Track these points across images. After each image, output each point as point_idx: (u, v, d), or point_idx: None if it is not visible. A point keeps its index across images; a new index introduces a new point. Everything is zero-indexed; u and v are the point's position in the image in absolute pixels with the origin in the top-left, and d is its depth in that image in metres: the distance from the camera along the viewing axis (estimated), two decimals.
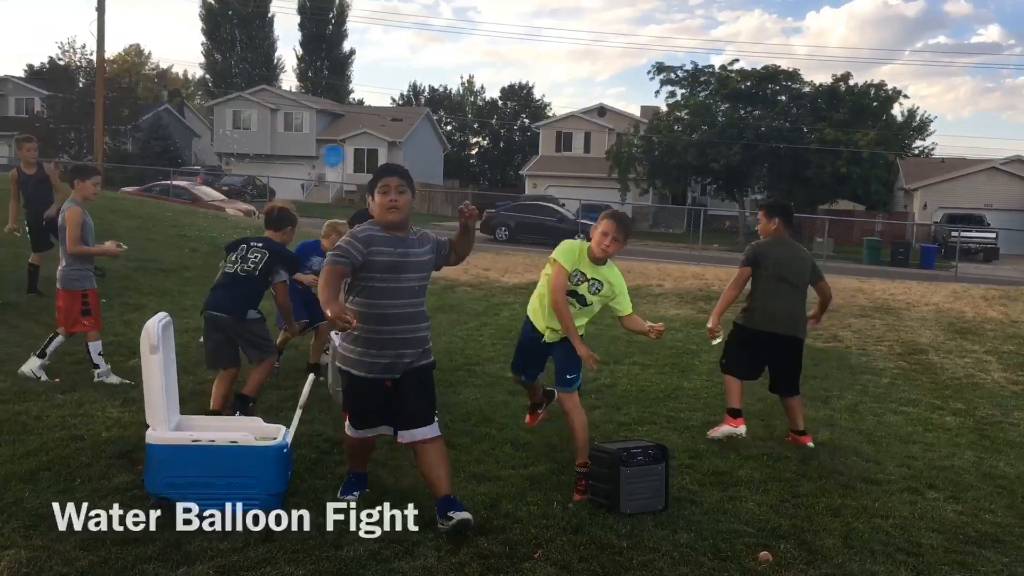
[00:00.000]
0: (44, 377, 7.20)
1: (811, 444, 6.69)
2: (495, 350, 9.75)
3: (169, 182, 34.10)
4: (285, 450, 4.83)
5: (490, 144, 72.77)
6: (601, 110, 56.15)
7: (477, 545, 4.56)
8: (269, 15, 69.73)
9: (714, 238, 41.43)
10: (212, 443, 4.73)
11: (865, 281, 19.36)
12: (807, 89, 44.67)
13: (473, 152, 73.46)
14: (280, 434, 4.93)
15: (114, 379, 7.27)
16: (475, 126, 72.66)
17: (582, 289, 5.57)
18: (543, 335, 5.70)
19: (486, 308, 12.70)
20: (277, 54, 71.89)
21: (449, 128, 72.43)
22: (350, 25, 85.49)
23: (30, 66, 67.35)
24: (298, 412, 5.06)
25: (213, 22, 68.43)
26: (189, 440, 4.73)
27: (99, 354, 7.33)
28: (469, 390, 7.89)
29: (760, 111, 44.28)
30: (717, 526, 4.99)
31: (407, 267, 4.60)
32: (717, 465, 6.09)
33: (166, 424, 4.72)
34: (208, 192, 34.04)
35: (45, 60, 66.81)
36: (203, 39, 69.68)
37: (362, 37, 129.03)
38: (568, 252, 5.50)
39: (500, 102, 72.26)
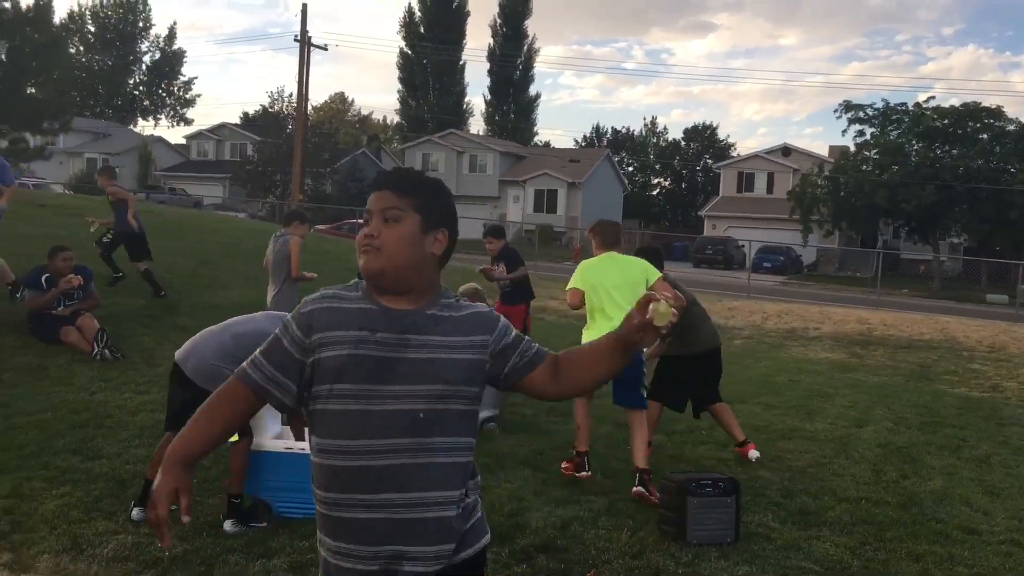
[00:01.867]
0: None
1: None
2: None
3: (356, 220, 36.19)
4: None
5: (672, 184, 72.48)
6: (786, 150, 54.82)
7: (535, 562, 4.80)
8: (461, 63, 72.81)
9: (905, 283, 39.38)
10: (302, 452, 5.20)
11: None
12: (1012, 127, 41.90)
13: (654, 192, 73.35)
14: None
15: None
16: (656, 167, 72.59)
17: None
18: None
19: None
20: (467, 99, 74.82)
21: (631, 169, 72.75)
22: (538, 70, 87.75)
23: (245, 114, 73.66)
24: None
25: (409, 70, 72.18)
26: (282, 448, 5.24)
27: None
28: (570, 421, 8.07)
29: (958, 150, 41.92)
30: (783, 562, 4.98)
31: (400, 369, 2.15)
32: (807, 505, 6.01)
33: (264, 432, 5.25)
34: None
35: (259, 108, 72.92)
36: (399, 87, 73.65)
37: (554, 81, 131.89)
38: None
39: (683, 143, 71.95)
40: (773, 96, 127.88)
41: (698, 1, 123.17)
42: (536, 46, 73.43)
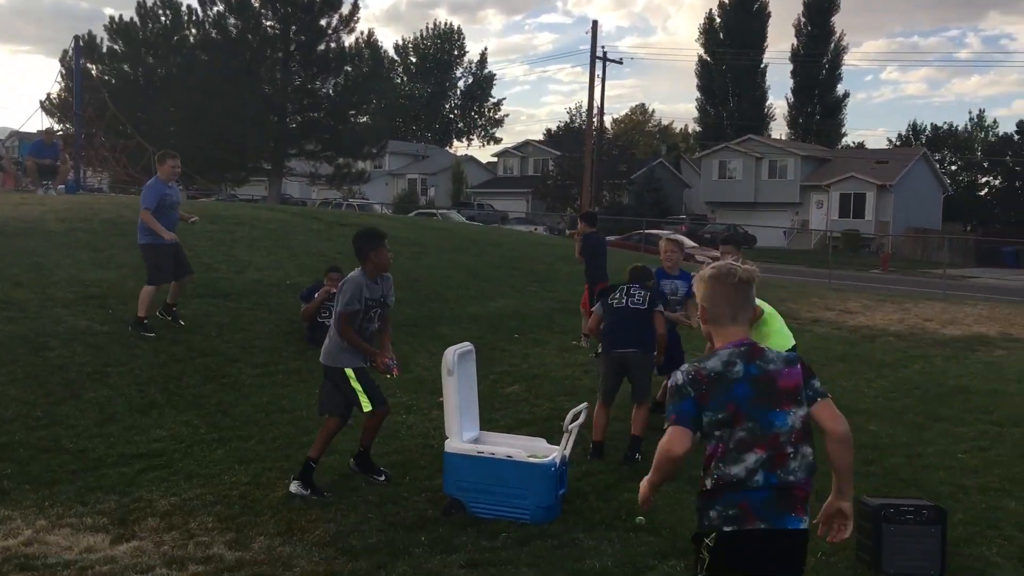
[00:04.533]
0: None
1: None
2: (875, 403, 9.28)
3: (647, 231, 36.44)
4: (553, 469, 5.45)
5: (1003, 183, 65.46)
6: None
7: None
8: (762, 66, 70.82)
9: None
10: (492, 456, 5.52)
11: None
12: None
13: (982, 192, 66.68)
14: (553, 454, 5.57)
15: None
16: (985, 165, 65.94)
17: None
18: None
19: (897, 360, 11.95)
20: (768, 103, 72.55)
21: (954, 168, 66.70)
22: (853, 67, 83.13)
23: (548, 130, 76.78)
24: (564, 436, 5.65)
25: (707, 77, 71.38)
26: (475, 452, 5.59)
27: None
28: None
29: None
30: None
31: None
32: None
33: (459, 436, 5.63)
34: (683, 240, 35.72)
35: (560, 124, 75.78)
36: (697, 94, 73.08)
37: (875, 78, 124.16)
38: None
39: (1016, 136, 64.78)
40: None
41: None
42: (844, 43, 69.53)
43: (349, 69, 41.84)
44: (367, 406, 5.96)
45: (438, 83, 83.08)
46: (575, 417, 5.64)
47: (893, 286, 26.67)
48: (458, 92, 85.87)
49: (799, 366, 3.18)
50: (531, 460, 5.47)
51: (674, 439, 3.06)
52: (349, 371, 5.98)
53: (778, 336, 6.64)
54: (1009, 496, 6.26)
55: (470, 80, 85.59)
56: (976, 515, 5.82)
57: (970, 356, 12.63)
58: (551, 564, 4.82)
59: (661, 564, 4.90)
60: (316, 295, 9.99)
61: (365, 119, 44.60)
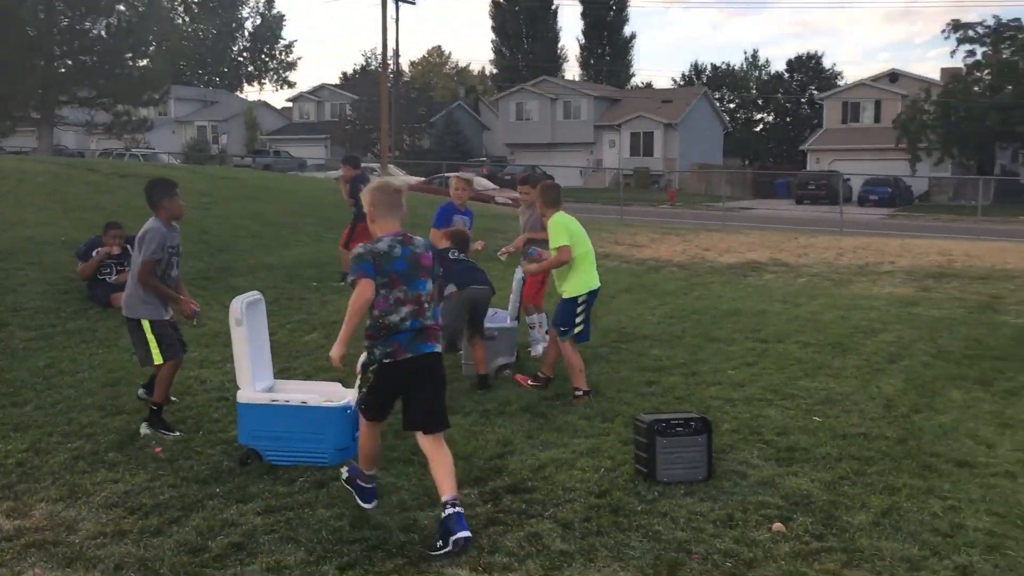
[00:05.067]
0: None
1: None
2: (657, 328, 9.89)
3: (447, 175, 36.58)
4: (348, 411, 5.50)
5: (775, 119, 70.17)
6: (893, 75, 52.29)
7: (501, 502, 4.98)
8: (553, 7, 71.87)
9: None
10: (286, 403, 5.51)
11: None
12: None
13: (757, 129, 71.20)
14: (348, 397, 5.62)
15: None
16: (759, 102, 70.35)
17: None
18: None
19: (678, 288, 12.74)
20: (560, 44, 73.98)
21: (732, 106, 70.74)
22: (640, 9, 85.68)
23: (344, 74, 74.93)
24: (358, 378, 5.71)
25: (501, 18, 71.74)
26: (268, 400, 5.55)
27: None
28: (600, 365, 8.17)
29: None
30: (749, 498, 5.02)
31: None
32: (798, 442, 5.98)
33: (251, 386, 5.57)
34: (481, 182, 36.13)
35: (358, 68, 74.11)
36: (492, 35, 73.41)
37: (661, 18, 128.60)
38: None
39: (787, 75, 69.41)
40: (895, 18, 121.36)
41: None
42: None
43: (122, 8, 39.04)
44: (158, 359, 6.04)
45: (224, 24, 78.99)
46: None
47: (679, 220, 28.23)
48: (246, 34, 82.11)
49: (430, 252, 4.70)
50: (325, 404, 5.49)
51: (365, 287, 4.43)
52: (145, 322, 6.08)
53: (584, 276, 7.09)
54: (770, 405, 6.90)
55: (259, 21, 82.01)
56: (741, 424, 6.38)
57: (743, 281, 13.66)
58: (348, 504, 4.90)
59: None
60: (95, 254, 9.47)
61: (144, 63, 41.88)
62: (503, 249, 8.75)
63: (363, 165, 8.75)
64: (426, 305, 4.61)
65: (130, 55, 39.91)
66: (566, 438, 6.08)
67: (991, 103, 38.76)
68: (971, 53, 41.91)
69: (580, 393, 6.99)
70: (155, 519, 4.68)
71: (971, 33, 41.52)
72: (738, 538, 4.51)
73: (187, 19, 77.15)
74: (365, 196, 4.70)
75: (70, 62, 38.68)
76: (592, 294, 7.15)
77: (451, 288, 7.35)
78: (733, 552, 4.36)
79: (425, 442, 4.63)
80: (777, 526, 4.65)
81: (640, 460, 5.40)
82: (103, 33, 38.55)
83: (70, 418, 6.31)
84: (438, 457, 4.58)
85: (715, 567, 4.22)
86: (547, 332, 8.81)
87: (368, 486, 4.84)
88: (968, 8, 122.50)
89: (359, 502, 4.82)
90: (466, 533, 4.30)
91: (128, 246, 9.54)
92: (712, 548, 4.40)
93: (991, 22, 41.47)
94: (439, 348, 4.70)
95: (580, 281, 7.04)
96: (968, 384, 7.57)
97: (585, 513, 4.82)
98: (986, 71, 41.15)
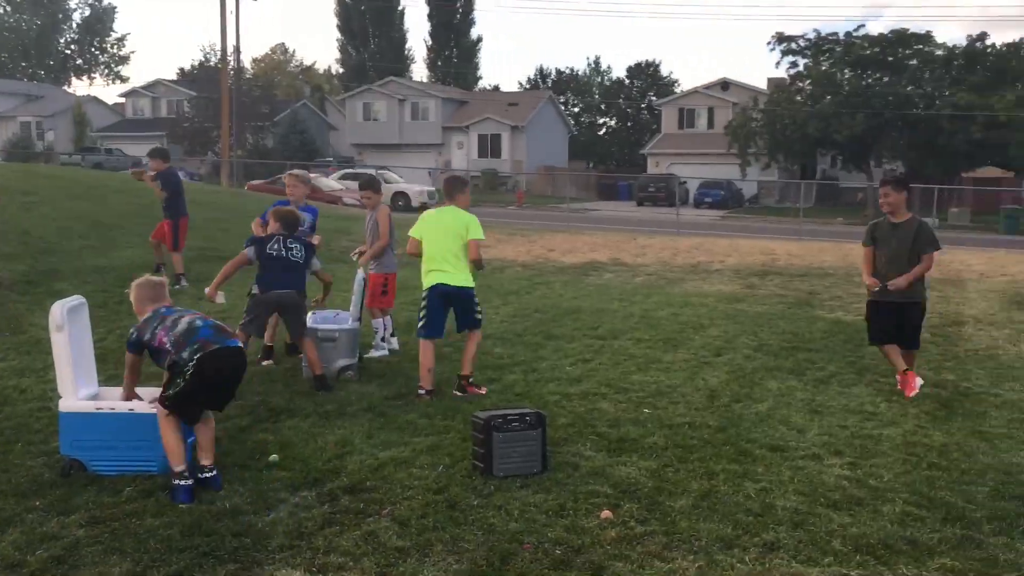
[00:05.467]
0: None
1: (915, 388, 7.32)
2: (500, 327, 10.08)
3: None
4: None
5: (618, 124, 72.40)
6: (724, 84, 54.95)
7: (339, 503, 4.98)
8: (400, 7, 71.71)
9: (842, 212, 40.08)
10: (112, 411, 5.33)
11: (960, 252, 18.45)
12: (940, 52, 42.29)
13: (600, 132, 73.24)
14: None
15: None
16: (602, 107, 72.38)
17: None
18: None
19: (522, 287, 13.02)
20: (408, 45, 73.84)
21: (576, 110, 72.48)
22: (479, 14, 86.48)
23: (181, 69, 72.14)
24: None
25: (346, 17, 70.96)
26: (93, 408, 5.36)
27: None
28: (443, 364, 8.25)
29: (889, 78, 42.27)
30: (581, 488, 5.22)
31: None
32: (628, 433, 6.26)
33: (74, 394, 5.35)
34: (327, 183, 35.64)
35: (196, 63, 71.49)
36: (338, 34, 72.45)
37: (507, 21, 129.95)
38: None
39: (627, 81, 71.73)
40: (720, 28, 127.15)
41: None
42: None
43: None
44: None
45: (49, 14, 74.63)
46: None
47: (527, 220, 28.73)
48: (74, 25, 77.86)
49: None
50: (153, 411, 5.34)
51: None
52: None
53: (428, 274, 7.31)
54: (604, 399, 7.18)
55: (87, 12, 77.91)
56: (576, 417, 6.62)
57: (584, 280, 14.09)
58: (178, 510, 4.80)
59: (293, 496, 5.06)
60: None
61: None
62: (358, 251, 8.87)
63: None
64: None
65: None
66: (407, 437, 6.14)
67: (812, 111, 41.31)
68: (794, 64, 44.55)
69: (422, 392, 7.08)
70: None
71: (794, 45, 44.12)
72: (569, 526, 4.69)
73: (8, 8, 72.47)
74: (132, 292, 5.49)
75: None
76: (435, 290, 7.21)
77: (255, 288, 7.35)
78: (563, 540, 4.53)
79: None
80: (605, 513, 4.87)
81: (477, 456, 5.53)
82: None
83: None
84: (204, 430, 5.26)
85: (545, 555, 4.38)
86: (391, 336, 8.87)
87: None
88: (793, 20, 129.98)
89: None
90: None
91: None
92: (544, 537, 4.56)
93: (812, 35, 44.26)
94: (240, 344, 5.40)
95: (425, 278, 7.18)
96: (783, 374, 8.10)
97: (422, 510, 4.89)
98: (807, 81, 43.80)
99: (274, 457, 5.63)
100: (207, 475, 5.11)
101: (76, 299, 5.56)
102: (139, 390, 5.89)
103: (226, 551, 4.34)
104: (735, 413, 6.84)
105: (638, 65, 71.46)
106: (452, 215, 7.30)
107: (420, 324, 7.25)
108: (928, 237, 7.52)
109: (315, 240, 8.39)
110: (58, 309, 5.30)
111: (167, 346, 5.08)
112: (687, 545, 4.49)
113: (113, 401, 5.45)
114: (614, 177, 52.89)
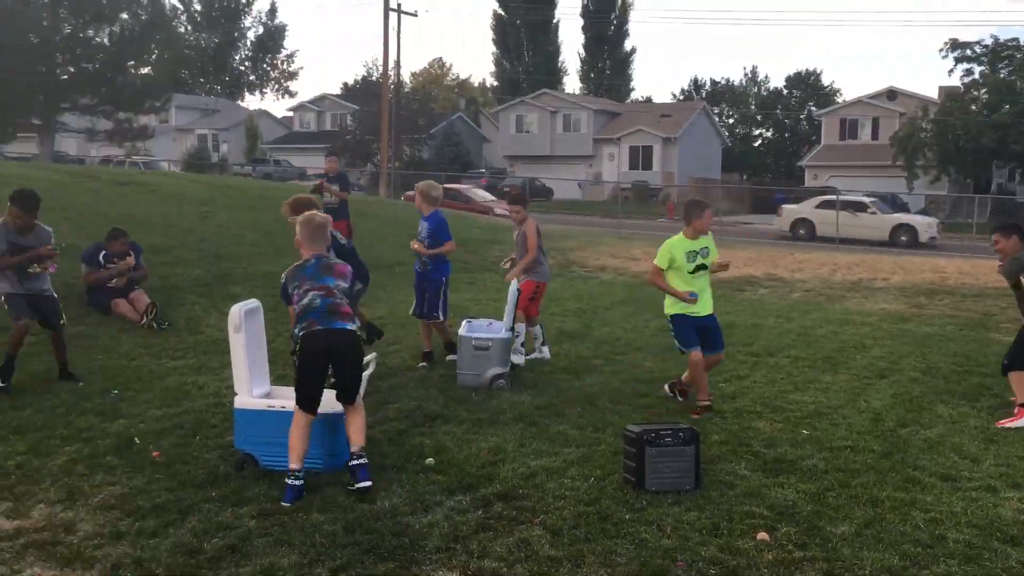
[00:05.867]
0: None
1: None
2: (651, 340, 9.99)
3: (448, 186, 36.72)
4: (342, 418, 5.58)
5: (774, 135, 70.49)
6: (891, 93, 52.53)
7: (492, 509, 5.07)
8: (554, 21, 72.29)
9: None
10: (283, 409, 5.60)
11: None
12: None
13: (756, 144, 71.48)
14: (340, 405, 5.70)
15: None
16: (758, 118, 70.65)
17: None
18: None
19: None
20: (561, 58, 74.35)
21: (731, 121, 71.06)
22: (633, 25, 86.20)
23: (345, 84, 75.16)
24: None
25: (502, 31, 72.13)
26: (265, 406, 5.65)
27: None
28: (593, 376, 8.28)
29: None
30: (735, 508, 5.11)
31: None
32: (786, 454, 6.08)
33: (248, 392, 5.66)
34: (480, 194, 36.35)
35: (359, 78, 74.34)
36: (494, 48, 73.77)
37: (661, 33, 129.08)
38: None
39: (786, 91, 69.77)
40: (885, 36, 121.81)
41: None
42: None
43: (126, 16, 39.23)
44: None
45: (226, 33, 79.30)
46: (364, 367, 5.79)
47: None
48: (248, 43, 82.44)
49: (349, 268, 5.71)
50: (321, 412, 5.58)
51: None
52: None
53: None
54: (760, 417, 7.00)
55: (260, 30, 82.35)
56: (730, 435, 6.48)
57: (738, 295, 13.78)
58: (341, 507, 5.00)
59: (448, 499, 5.18)
60: (108, 266, 9.54)
61: (146, 71, 42.04)
62: (508, 260, 9.15)
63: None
64: (336, 292, 5.48)
65: (132, 63, 40.09)
66: (557, 447, 6.18)
67: (988, 121, 38.94)
68: (968, 72, 42.16)
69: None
70: (152, 521, 4.77)
71: (968, 52, 41.76)
72: (723, 546, 4.60)
73: (189, 27, 77.46)
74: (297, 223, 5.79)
75: (72, 69, 38.81)
76: None
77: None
78: (718, 560, 4.45)
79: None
80: (762, 535, 4.75)
81: (629, 469, 5.50)
82: (106, 41, 38.74)
83: (68, 421, 6.40)
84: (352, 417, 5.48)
85: (700, 574, 4.31)
86: (542, 346, 8.96)
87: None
88: (966, 27, 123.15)
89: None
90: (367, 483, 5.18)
91: (130, 253, 9.65)
92: (697, 556, 4.49)
93: (989, 41, 41.76)
94: (352, 327, 5.46)
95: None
96: (955, 400, 7.67)
97: (574, 520, 4.91)
98: (983, 90, 41.36)
99: (430, 461, 5.78)
100: (355, 462, 5.27)
101: (252, 302, 5.89)
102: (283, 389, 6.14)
103: (385, 549, 4.48)
104: (901, 438, 6.52)
105: (797, 74, 69.43)
106: None
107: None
108: None
109: (413, 244, 8.68)
110: (236, 311, 5.62)
111: (294, 314, 5.45)
112: (850, 574, 4.32)
113: (283, 400, 5.71)
114: (769, 190, 51.45)
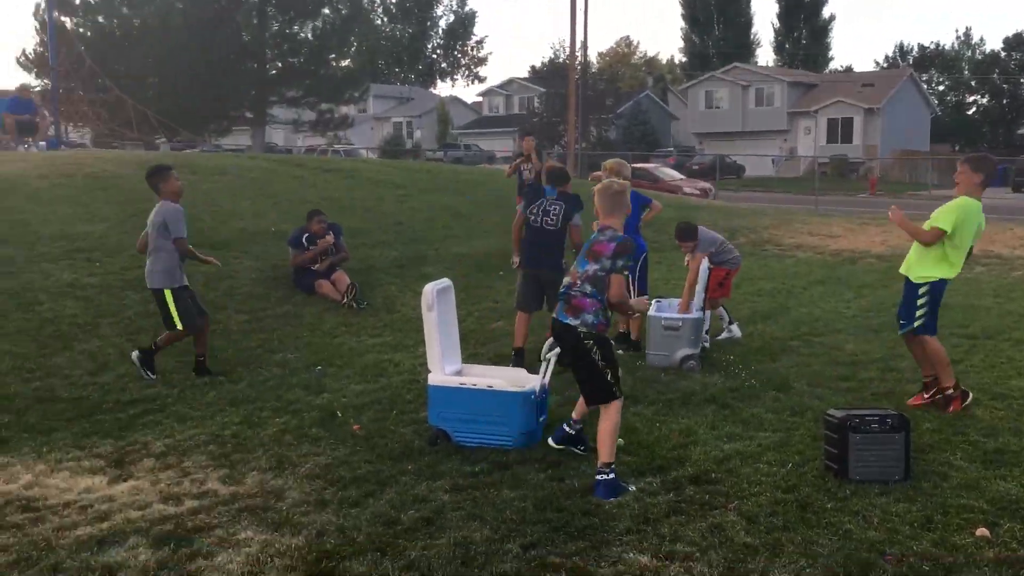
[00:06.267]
0: None
1: None
2: (853, 322, 9.48)
3: (632, 165, 36.37)
4: (532, 396, 5.62)
5: (990, 102, 65.21)
6: None
7: (683, 492, 4.95)
8: None
9: None
10: (474, 387, 5.70)
11: None
12: None
13: (970, 112, 66.41)
14: (532, 383, 5.74)
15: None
16: (972, 84, 65.58)
17: None
18: None
19: (876, 280, 12.13)
20: (753, 30, 71.80)
21: (941, 88, 66.37)
22: None
23: (532, 67, 75.90)
24: (543, 365, 5.82)
25: (691, 4, 70.48)
26: (457, 384, 5.76)
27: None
28: (790, 358, 7.95)
29: None
30: (950, 500, 4.75)
31: None
32: (1008, 444, 5.59)
33: (441, 370, 5.79)
34: (669, 173, 35.74)
35: (546, 60, 74.87)
36: (682, 23, 72.25)
37: None
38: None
39: (1004, 54, 64.35)
40: None
41: None
42: None
43: (327, 12, 41.27)
44: (179, 325, 7.22)
45: (419, 23, 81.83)
46: (552, 347, 5.79)
47: (880, 210, 26.76)
48: (440, 31, 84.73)
49: (615, 244, 4.96)
50: (511, 389, 5.63)
51: None
52: (168, 292, 7.15)
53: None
54: (978, 405, 6.46)
55: (451, 19, 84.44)
56: (943, 423, 6.03)
57: None
58: (531, 485, 5.02)
59: (638, 480, 5.10)
60: (311, 247, 10.06)
61: (346, 63, 44.12)
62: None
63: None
64: (578, 280, 5.06)
65: (333, 56, 42.16)
66: (752, 431, 5.96)
67: None
68: None
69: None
70: (353, 491, 4.97)
71: None
72: (937, 541, 4.28)
73: (385, 19, 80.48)
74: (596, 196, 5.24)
75: (280, 64, 41.31)
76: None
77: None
78: (931, 555, 4.14)
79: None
80: (981, 531, 4.38)
81: (831, 456, 5.21)
82: (309, 36, 40.93)
83: (278, 395, 6.79)
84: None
85: (911, 570, 4.02)
86: (730, 325, 8.69)
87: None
88: None
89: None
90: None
91: (330, 232, 10.12)
92: (908, 550, 4.19)
93: None
94: (571, 321, 5.03)
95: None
96: None
97: (771, 507, 4.71)
98: None
99: (620, 441, 5.71)
100: (572, 429, 5.51)
101: (444, 282, 6.01)
102: (497, 369, 6.25)
103: (576, 528, 4.46)
104: None
105: (1017, 36, 63.81)
106: None
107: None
108: None
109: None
110: (430, 290, 5.76)
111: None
112: None
113: (475, 378, 5.81)
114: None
